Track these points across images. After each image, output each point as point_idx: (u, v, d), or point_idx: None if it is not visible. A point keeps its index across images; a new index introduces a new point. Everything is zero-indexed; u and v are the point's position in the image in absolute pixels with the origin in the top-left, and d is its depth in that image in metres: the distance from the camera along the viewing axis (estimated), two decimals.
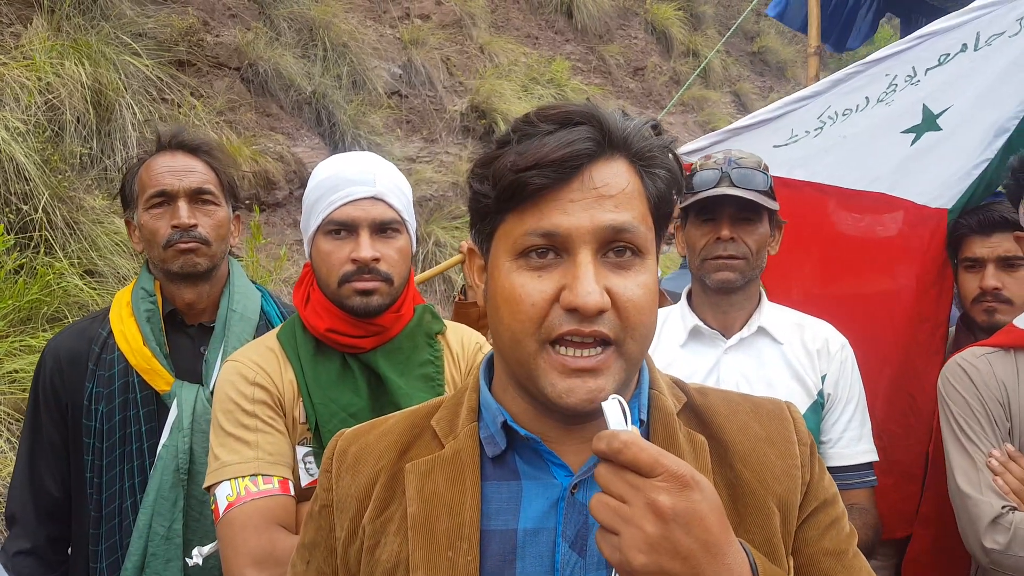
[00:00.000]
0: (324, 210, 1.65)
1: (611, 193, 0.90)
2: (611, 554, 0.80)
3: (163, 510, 1.86)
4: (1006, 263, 2.26)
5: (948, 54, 2.42)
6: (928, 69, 2.45)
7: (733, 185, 1.96)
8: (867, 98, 2.52)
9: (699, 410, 1.06)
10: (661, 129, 0.98)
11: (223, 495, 1.55)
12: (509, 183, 0.90)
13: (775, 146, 2.60)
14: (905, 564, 2.28)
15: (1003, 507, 1.77)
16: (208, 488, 1.60)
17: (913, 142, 2.51)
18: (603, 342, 0.90)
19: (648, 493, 0.78)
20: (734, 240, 1.97)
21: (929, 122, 2.49)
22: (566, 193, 0.90)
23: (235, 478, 1.55)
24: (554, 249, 0.91)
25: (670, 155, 0.97)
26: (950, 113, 2.46)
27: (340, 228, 1.65)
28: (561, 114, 0.92)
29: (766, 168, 2.04)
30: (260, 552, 1.48)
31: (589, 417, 0.94)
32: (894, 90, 2.49)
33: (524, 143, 0.91)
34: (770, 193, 2.02)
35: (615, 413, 0.84)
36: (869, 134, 2.54)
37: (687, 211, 2.05)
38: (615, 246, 0.91)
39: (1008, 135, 2.40)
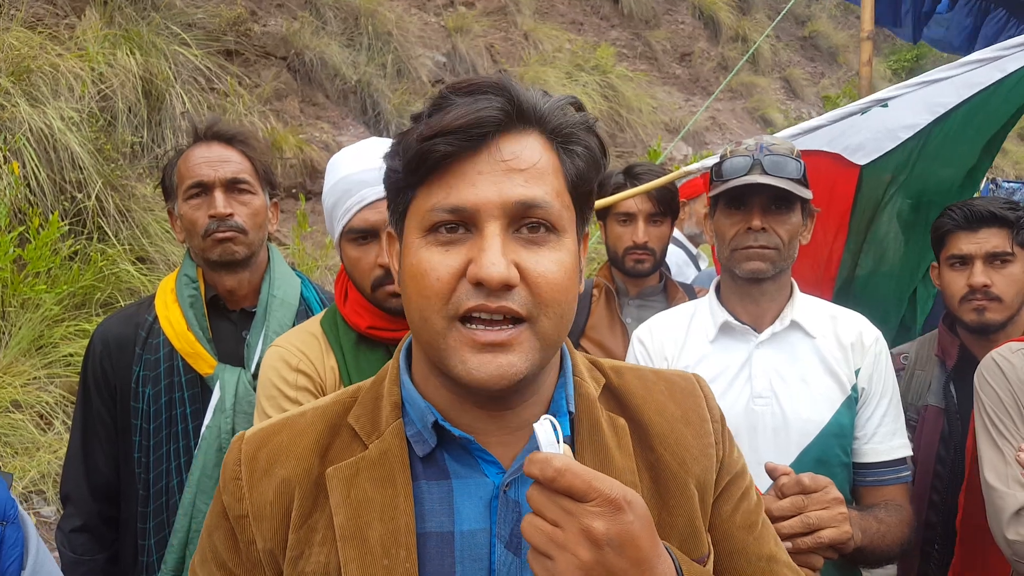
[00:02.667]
0: (342, 217, 1.64)
1: (521, 167, 0.87)
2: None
3: (207, 488, 1.90)
4: (994, 259, 2.18)
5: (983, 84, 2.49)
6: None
7: (765, 173, 1.88)
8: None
9: (617, 392, 1.05)
10: (582, 106, 0.95)
11: None
12: (415, 153, 0.87)
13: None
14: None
15: None
16: None
17: (862, 113, 2.62)
18: (514, 320, 0.87)
19: (582, 519, 0.77)
20: (765, 230, 1.89)
21: (882, 103, 2.59)
22: (473, 165, 0.87)
23: None
24: (464, 224, 0.88)
25: (590, 133, 0.94)
26: (902, 98, 2.55)
27: (361, 234, 1.64)
28: (472, 85, 0.89)
29: (799, 155, 1.96)
30: None
31: (509, 400, 0.93)
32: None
33: (435, 116, 0.88)
34: (803, 181, 1.95)
35: (547, 433, 0.82)
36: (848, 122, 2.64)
37: (716, 200, 1.98)
38: (527, 222, 0.88)
39: (944, 111, 2.52)
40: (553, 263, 0.88)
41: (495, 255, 0.85)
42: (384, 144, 1.69)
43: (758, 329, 1.98)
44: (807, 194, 1.94)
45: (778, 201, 1.90)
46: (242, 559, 0.97)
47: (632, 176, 2.60)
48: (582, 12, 10.42)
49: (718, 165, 1.97)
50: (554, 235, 0.89)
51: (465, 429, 0.95)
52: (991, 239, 2.19)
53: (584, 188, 0.94)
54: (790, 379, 1.91)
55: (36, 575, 1.22)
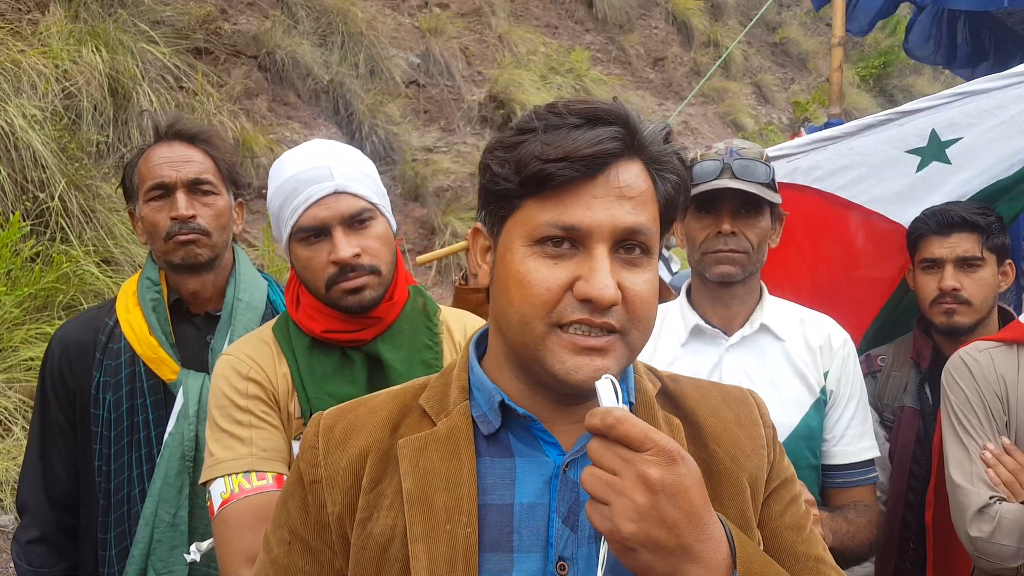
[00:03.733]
0: (290, 218, 1.59)
1: (631, 195, 0.95)
2: (601, 523, 0.85)
3: (169, 497, 1.86)
4: (965, 264, 2.24)
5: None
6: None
7: (735, 177, 1.89)
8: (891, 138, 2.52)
9: (672, 395, 1.12)
10: (672, 136, 1.03)
11: (217, 492, 1.53)
12: (535, 172, 0.93)
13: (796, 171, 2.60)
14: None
15: (991, 497, 1.83)
16: (204, 484, 1.58)
17: (919, 168, 2.48)
18: (610, 330, 0.94)
19: (638, 466, 0.83)
20: (735, 234, 1.91)
21: (936, 150, 2.45)
22: (590, 188, 0.93)
23: (229, 475, 1.53)
24: (570, 240, 0.94)
25: (680, 162, 1.02)
26: (959, 147, 2.43)
27: (311, 233, 1.59)
28: (589, 110, 0.95)
29: (768, 159, 1.99)
30: (254, 550, 1.45)
31: (585, 396, 0.98)
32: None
33: (551, 133, 0.93)
34: (772, 185, 1.97)
35: (608, 392, 0.89)
36: (875, 148, 2.52)
37: (686, 204, 2.00)
38: (627, 244, 0.95)
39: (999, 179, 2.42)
40: (647, 283, 0.97)
41: (606, 277, 0.92)
42: (325, 146, 1.66)
43: (728, 332, 2.00)
44: (776, 198, 1.96)
45: (747, 205, 1.92)
46: (311, 523, 1.05)
47: None
48: (557, 16, 10.44)
49: (688, 170, 1.98)
50: (647, 256, 0.98)
51: (532, 414, 1.02)
52: (962, 244, 2.24)
53: (671, 213, 1.03)
54: (759, 382, 1.92)
55: None
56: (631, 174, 0.96)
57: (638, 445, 0.84)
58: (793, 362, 1.96)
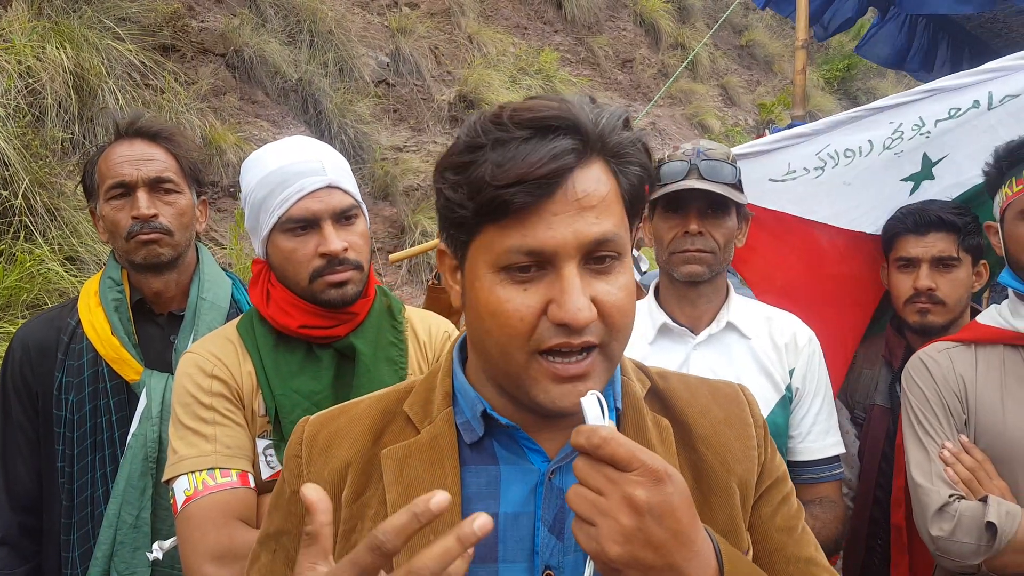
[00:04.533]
0: (278, 207, 1.59)
1: (593, 203, 0.90)
2: (588, 544, 0.83)
3: (132, 499, 1.85)
4: (940, 263, 2.24)
5: (959, 108, 2.38)
6: (938, 121, 2.40)
7: (702, 178, 1.92)
8: (871, 142, 2.45)
9: (662, 394, 1.10)
10: (630, 122, 0.98)
11: (180, 489, 1.53)
12: (490, 199, 0.88)
13: (771, 179, 2.53)
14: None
15: (950, 496, 1.82)
16: (167, 482, 1.58)
17: (912, 191, 2.47)
18: (590, 347, 0.92)
19: (624, 487, 0.81)
20: (702, 234, 1.94)
21: (926, 170, 2.46)
22: (548, 207, 0.89)
23: (193, 472, 1.53)
24: (538, 264, 0.91)
25: (643, 149, 0.97)
26: (945, 162, 2.43)
27: (301, 224, 1.60)
28: (537, 119, 0.89)
29: (735, 160, 2.01)
30: (218, 547, 1.47)
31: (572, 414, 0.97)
32: (901, 138, 2.43)
33: (499, 151, 0.88)
34: (738, 186, 2.00)
35: (593, 408, 0.87)
36: (872, 181, 2.48)
37: (654, 203, 2.02)
38: (598, 255, 0.92)
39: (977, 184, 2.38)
40: (621, 289, 0.93)
41: (579, 299, 0.88)
42: (312, 142, 1.67)
43: (695, 331, 2.03)
44: (742, 199, 1.99)
45: (714, 206, 1.95)
46: (294, 533, 1.03)
47: None
48: (526, 17, 10.48)
49: (656, 170, 2.00)
50: (619, 261, 0.94)
51: (515, 423, 1.00)
52: (938, 243, 2.24)
53: (638, 205, 0.98)
54: (726, 379, 1.95)
55: None
56: (590, 180, 0.90)
57: (624, 465, 0.82)
58: (759, 359, 1.99)
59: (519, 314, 0.90)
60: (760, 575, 0.93)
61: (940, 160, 2.43)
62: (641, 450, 0.83)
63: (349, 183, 1.64)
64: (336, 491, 1.02)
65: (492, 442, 1.02)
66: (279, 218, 1.59)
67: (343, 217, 1.62)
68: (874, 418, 2.37)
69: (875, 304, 2.55)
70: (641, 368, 1.14)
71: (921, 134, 2.41)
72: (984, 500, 1.77)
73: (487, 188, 0.88)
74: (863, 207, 2.50)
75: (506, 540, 0.98)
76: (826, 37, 5.98)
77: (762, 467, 1.08)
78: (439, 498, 0.78)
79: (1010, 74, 2.33)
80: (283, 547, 1.06)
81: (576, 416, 0.95)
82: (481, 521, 0.77)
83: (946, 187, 2.45)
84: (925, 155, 2.44)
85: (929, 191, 2.46)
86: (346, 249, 1.61)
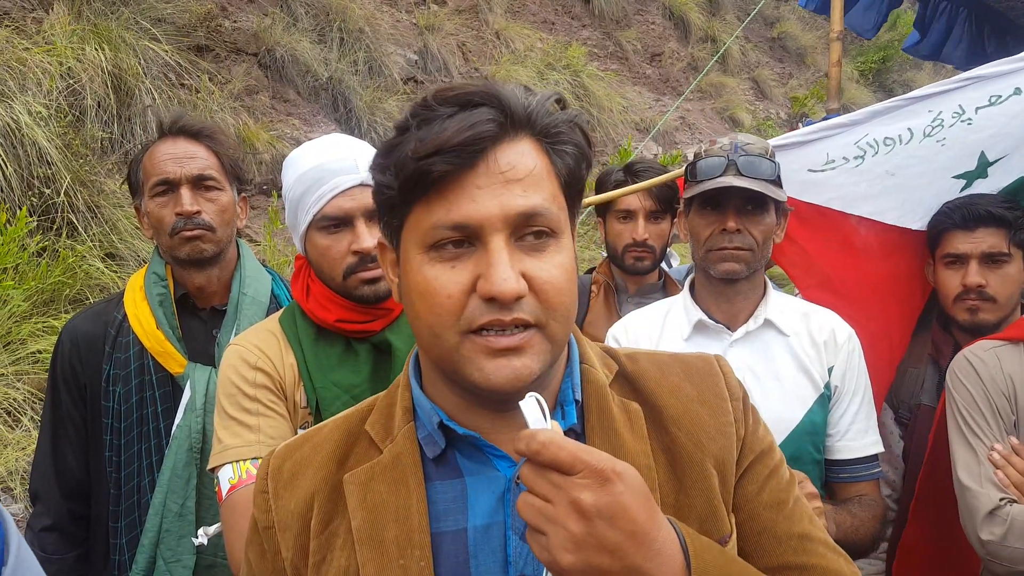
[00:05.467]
0: (313, 205, 1.62)
1: (519, 176, 0.88)
2: (540, 554, 0.80)
3: (177, 488, 1.90)
4: (990, 259, 2.16)
5: (1000, 95, 2.31)
6: (979, 108, 2.33)
7: (740, 174, 1.88)
8: (910, 130, 2.39)
9: (631, 377, 1.05)
10: (566, 103, 0.95)
11: (225, 478, 1.57)
12: (411, 172, 0.86)
13: (811, 170, 2.48)
14: (898, 558, 2.26)
15: (1001, 499, 1.77)
16: (212, 470, 1.62)
17: (963, 189, 2.38)
18: (524, 326, 0.88)
19: (570, 492, 0.77)
20: (740, 232, 1.89)
21: (981, 170, 2.37)
22: (472, 179, 0.87)
23: (237, 461, 1.57)
24: (467, 239, 0.88)
25: (577, 129, 0.94)
26: (1002, 163, 2.34)
27: (334, 222, 1.62)
28: (460, 95, 0.88)
29: (773, 155, 1.96)
30: None
31: (515, 400, 0.92)
32: (941, 126, 2.36)
33: (424, 128, 0.87)
34: (777, 181, 1.95)
35: (533, 411, 0.83)
36: (920, 175, 2.40)
37: (691, 200, 1.98)
38: (528, 230, 0.89)
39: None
40: (556, 267, 0.90)
41: (505, 270, 0.85)
42: (348, 140, 1.70)
43: (732, 328, 1.98)
44: (781, 195, 1.94)
45: (752, 202, 1.90)
46: (268, 570, 1.01)
47: (632, 173, 2.59)
48: (553, 11, 10.46)
49: (692, 165, 1.97)
50: (554, 239, 0.90)
51: (473, 428, 0.96)
52: (988, 239, 2.16)
53: (576, 187, 0.95)
54: (764, 378, 1.92)
55: (17, 572, 1.24)
56: (515, 154, 0.88)
57: (568, 468, 0.78)
58: (797, 357, 1.94)
59: (446, 291, 0.87)
60: (736, 564, 0.89)
61: (998, 161, 2.35)
62: (585, 451, 0.79)
63: None
64: (304, 523, 0.99)
65: (454, 453, 0.98)
66: (314, 215, 1.62)
67: (375, 215, 1.65)
68: (920, 418, 2.29)
69: (923, 302, 2.48)
70: (608, 352, 1.09)
71: (962, 121, 2.34)
72: None
73: (409, 163, 0.87)
74: (910, 203, 2.44)
75: (478, 554, 0.94)
76: (873, 33, 5.90)
77: (742, 442, 1.03)
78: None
79: None
80: None
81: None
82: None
83: (996, 182, 2.38)
84: (983, 154, 2.36)
85: (979, 188, 2.39)
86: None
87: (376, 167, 0.94)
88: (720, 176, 1.89)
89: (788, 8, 14.30)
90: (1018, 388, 1.86)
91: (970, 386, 1.91)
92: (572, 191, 0.95)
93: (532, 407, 0.83)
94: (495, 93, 0.88)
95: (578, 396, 1.01)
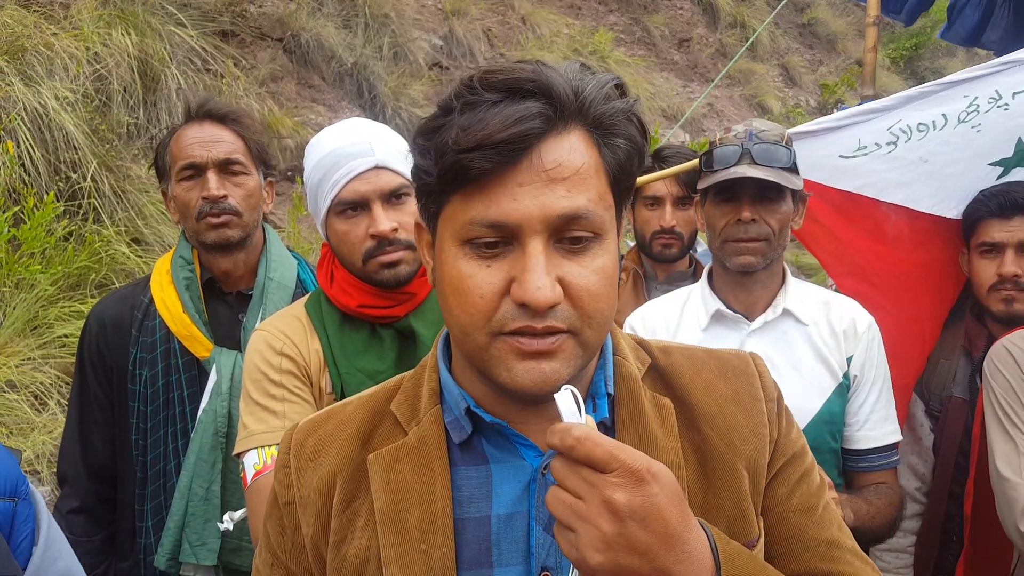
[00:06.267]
0: (330, 191, 1.61)
1: (563, 175, 0.83)
2: (568, 551, 0.78)
3: (202, 472, 1.90)
4: None
5: None
6: (1016, 93, 2.29)
7: (754, 163, 1.85)
8: (944, 116, 2.35)
9: (663, 371, 1.03)
10: (625, 90, 0.90)
11: (250, 463, 1.57)
12: (451, 164, 0.83)
13: (842, 156, 2.44)
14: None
15: None
16: (237, 455, 1.63)
17: (1000, 176, 2.34)
18: (555, 333, 0.85)
19: (603, 490, 0.75)
20: (756, 221, 1.87)
21: (1020, 157, 2.33)
22: (514, 176, 0.82)
23: (262, 447, 1.57)
24: (503, 239, 0.84)
25: (633, 121, 0.89)
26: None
27: (351, 206, 1.61)
28: (508, 81, 0.83)
29: (790, 141, 1.94)
30: None
31: (547, 401, 0.90)
32: (977, 111, 2.33)
33: (468, 114, 0.82)
34: (794, 169, 1.92)
35: (568, 404, 0.81)
36: (955, 162, 2.36)
37: (707, 189, 1.96)
38: (569, 232, 0.84)
39: None
40: (594, 272, 0.86)
41: (540, 277, 0.82)
42: (364, 123, 1.68)
43: (750, 317, 1.98)
44: (797, 184, 1.92)
45: (768, 191, 1.88)
46: (288, 546, 1.00)
47: (660, 159, 2.55)
48: None
49: (708, 154, 1.95)
50: (596, 241, 0.86)
51: (500, 417, 0.95)
52: None
53: (626, 183, 0.91)
54: (782, 367, 1.90)
55: (48, 551, 1.23)
56: (562, 150, 0.83)
57: (603, 466, 0.76)
58: (816, 347, 1.94)
59: (479, 291, 0.84)
60: (767, 571, 0.87)
61: None
62: (621, 448, 0.77)
63: (399, 163, 1.63)
64: (326, 501, 0.98)
65: (481, 440, 0.97)
66: (332, 201, 1.62)
67: (393, 197, 1.62)
68: (952, 410, 2.26)
69: (957, 292, 2.45)
70: (641, 344, 1.06)
71: (999, 106, 2.30)
72: None
73: (449, 153, 0.83)
74: (945, 191, 2.39)
75: (500, 543, 0.93)
76: (912, 21, 5.79)
77: (775, 444, 1.00)
78: None
79: None
80: (279, 561, 1.02)
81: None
82: None
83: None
84: (1021, 140, 2.31)
85: (1016, 176, 2.34)
86: (395, 229, 1.61)
87: (416, 148, 0.90)
88: (734, 166, 1.87)
89: None
90: None
91: (1009, 375, 1.88)
92: (621, 188, 0.90)
93: (567, 400, 0.81)
94: (546, 81, 0.83)
95: (611, 389, 0.98)
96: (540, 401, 0.88)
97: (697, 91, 9.43)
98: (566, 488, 0.78)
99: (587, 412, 0.84)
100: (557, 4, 9.90)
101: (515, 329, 0.84)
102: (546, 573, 0.92)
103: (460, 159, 0.82)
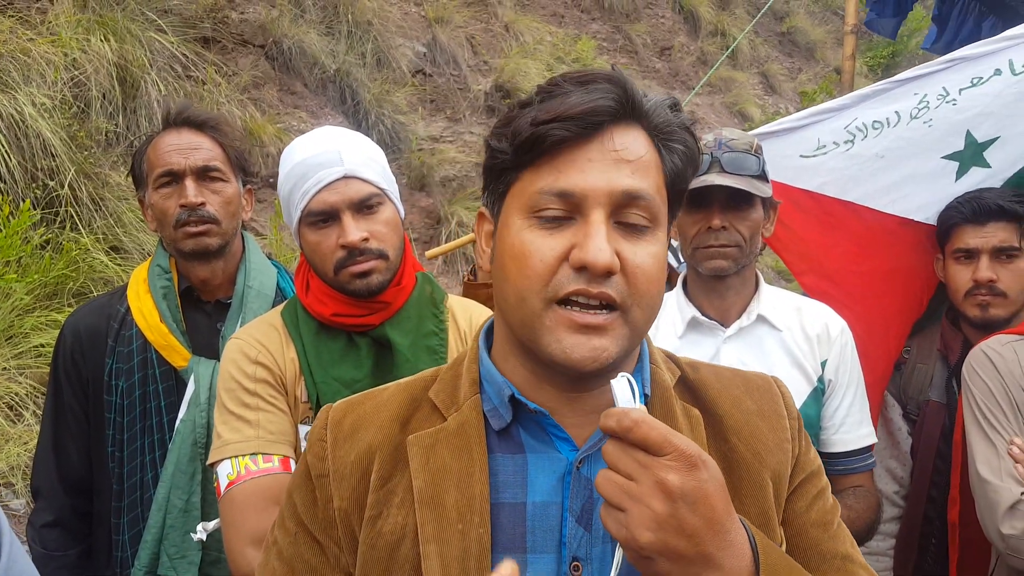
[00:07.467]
0: (300, 201, 1.60)
1: (630, 158, 0.90)
2: (617, 530, 0.81)
3: (181, 483, 1.88)
4: (1001, 254, 2.16)
5: (981, 77, 2.34)
6: (962, 89, 2.36)
7: (723, 171, 1.87)
8: (898, 113, 2.42)
9: (692, 384, 1.07)
10: (680, 107, 0.98)
11: (224, 473, 1.55)
12: (528, 136, 0.90)
13: (803, 156, 2.50)
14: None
15: (1022, 493, 1.77)
16: (211, 465, 1.60)
17: (958, 176, 2.39)
18: (609, 306, 0.90)
19: (657, 472, 0.79)
20: (726, 228, 1.90)
21: (975, 153, 2.38)
22: (584, 151, 0.89)
23: (236, 456, 1.55)
24: (567, 209, 0.90)
25: (689, 135, 0.97)
26: (997, 147, 2.36)
27: (320, 217, 1.60)
28: (587, 75, 0.92)
29: (759, 150, 1.96)
30: (259, 531, 1.47)
31: (591, 382, 0.95)
32: (927, 107, 2.39)
33: (547, 102, 0.91)
34: (763, 176, 1.94)
35: (624, 391, 0.84)
36: (909, 156, 2.42)
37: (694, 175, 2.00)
38: (629, 213, 0.91)
39: None
40: (649, 256, 0.91)
41: (601, 241, 0.87)
42: (335, 132, 1.66)
43: (725, 324, 2.00)
44: (766, 191, 1.94)
45: (737, 199, 1.90)
46: (318, 517, 1.02)
47: None
48: (563, 4, 10.40)
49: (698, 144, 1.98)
50: (651, 228, 0.92)
51: (541, 405, 0.98)
52: (998, 233, 2.16)
53: (679, 186, 0.97)
54: None
55: (9, 571, 1.19)
56: (629, 138, 0.91)
57: (657, 449, 0.79)
58: (791, 352, 1.96)
59: (540, 255, 0.89)
60: (796, 568, 0.90)
61: (991, 144, 2.36)
62: (674, 434, 0.81)
63: (370, 172, 1.62)
64: (364, 475, 1.00)
65: (519, 429, 1.00)
66: (302, 212, 1.61)
67: (363, 206, 1.61)
68: (929, 414, 2.29)
69: (926, 296, 2.48)
70: (671, 358, 1.11)
71: (947, 102, 2.37)
72: None
73: (526, 128, 0.90)
74: (904, 187, 2.45)
75: (534, 530, 0.96)
76: (895, 35, 5.88)
77: (796, 460, 1.05)
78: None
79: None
80: (305, 530, 1.03)
81: (598, 392, 0.95)
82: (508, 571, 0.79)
83: (1001, 173, 2.37)
84: (969, 133, 2.38)
85: (985, 183, 2.37)
86: (366, 239, 1.60)
87: (493, 136, 0.96)
88: (704, 174, 1.88)
89: (798, 2, 14.20)
90: None
91: (988, 379, 1.91)
92: (674, 191, 0.97)
93: (623, 387, 0.84)
94: (619, 78, 0.92)
95: (647, 391, 1.02)
96: (584, 379, 0.93)
97: (679, 98, 9.48)
98: (618, 470, 0.81)
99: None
100: (540, 12, 9.93)
101: (570, 292, 0.88)
102: (576, 563, 0.95)
103: (537, 131, 0.89)
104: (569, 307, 0.89)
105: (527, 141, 0.90)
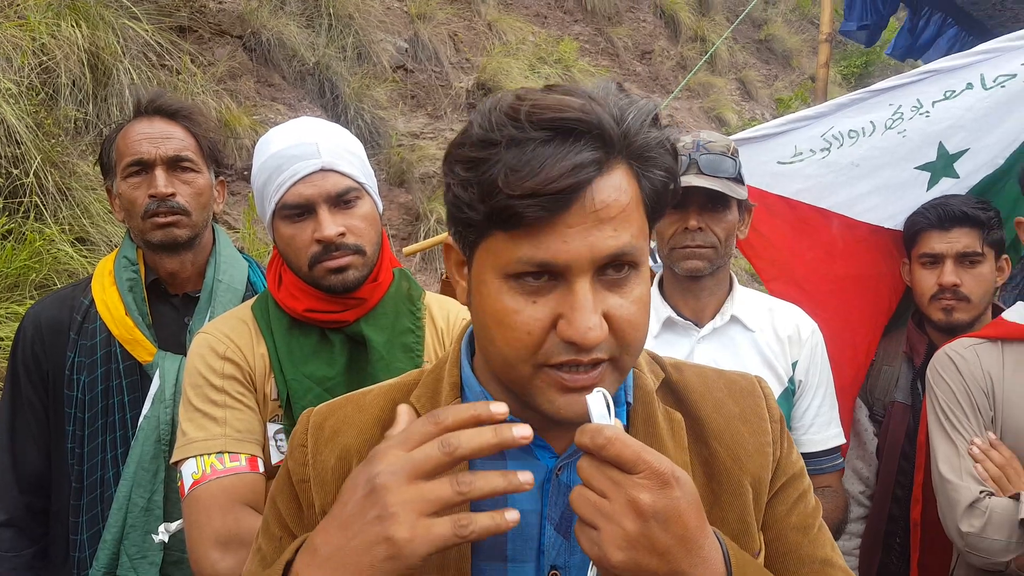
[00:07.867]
0: (275, 195, 1.55)
1: (612, 214, 0.84)
2: (590, 548, 0.80)
3: (143, 481, 1.82)
4: (965, 259, 2.21)
5: (954, 90, 2.40)
6: (935, 102, 2.43)
7: (700, 172, 1.90)
8: (872, 123, 2.47)
9: (675, 387, 1.07)
10: (659, 117, 0.92)
11: (188, 472, 1.50)
12: (502, 207, 0.82)
13: (780, 162, 2.55)
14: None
15: (980, 492, 1.83)
16: (175, 464, 1.55)
17: (930, 186, 2.46)
18: (599, 363, 0.88)
19: (629, 490, 0.78)
20: (702, 229, 1.93)
21: (946, 164, 2.44)
22: (564, 219, 0.83)
23: (201, 455, 1.50)
24: (549, 277, 0.85)
25: (669, 152, 0.91)
26: (967, 158, 2.43)
27: (296, 210, 1.55)
28: (557, 120, 0.81)
29: (735, 152, 1.98)
30: (224, 532, 1.44)
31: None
32: (901, 119, 2.45)
33: (514, 152, 0.81)
34: (739, 179, 1.97)
35: (599, 406, 0.83)
36: (883, 166, 2.47)
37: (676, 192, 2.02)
38: (612, 268, 0.87)
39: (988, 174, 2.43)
40: (634, 303, 0.88)
41: (589, 317, 0.83)
42: (312, 123, 1.60)
43: (699, 324, 2.03)
44: (742, 193, 1.97)
45: (714, 200, 1.93)
46: (304, 522, 1.01)
47: None
48: (546, 5, 10.39)
49: (676, 155, 1.99)
50: (635, 270, 0.89)
51: (519, 416, 0.95)
52: (962, 239, 2.21)
53: (659, 210, 0.93)
54: None
55: None
56: (610, 190, 0.84)
57: (630, 467, 0.79)
58: (763, 352, 2.00)
59: (527, 327, 0.85)
60: None
61: (961, 155, 2.42)
62: (648, 451, 0.80)
63: (348, 165, 1.58)
64: (344, 478, 0.95)
65: None
66: (276, 204, 1.56)
67: (340, 201, 1.57)
68: (894, 415, 2.36)
69: (894, 300, 2.55)
70: (655, 359, 1.10)
71: (921, 114, 2.43)
72: (1016, 497, 1.78)
73: (499, 195, 0.81)
74: (878, 196, 2.50)
75: (514, 539, 0.95)
76: (871, 42, 5.96)
77: (777, 463, 1.05)
78: (499, 408, 0.81)
79: (1000, 55, 2.35)
80: (290, 534, 1.02)
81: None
82: (523, 433, 0.79)
83: (967, 183, 2.45)
84: (942, 145, 2.43)
85: (948, 186, 2.45)
86: (342, 234, 1.55)
87: (455, 177, 0.87)
88: (682, 175, 1.90)
89: (775, 11, 14.36)
90: (996, 385, 1.93)
91: (951, 382, 1.97)
92: (654, 216, 0.93)
93: (598, 402, 0.84)
94: (596, 121, 0.82)
95: (630, 398, 1.02)
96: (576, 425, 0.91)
97: (658, 102, 9.51)
98: (592, 487, 0.81)
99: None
100: (523, 12, 9.91)
101: (561, 362, 0.86)
102: (555, 572, 0.95)
103: (512, 205, 0.81)
104: (559, 369, 0.87)
105: (500, 212, 0.82)
